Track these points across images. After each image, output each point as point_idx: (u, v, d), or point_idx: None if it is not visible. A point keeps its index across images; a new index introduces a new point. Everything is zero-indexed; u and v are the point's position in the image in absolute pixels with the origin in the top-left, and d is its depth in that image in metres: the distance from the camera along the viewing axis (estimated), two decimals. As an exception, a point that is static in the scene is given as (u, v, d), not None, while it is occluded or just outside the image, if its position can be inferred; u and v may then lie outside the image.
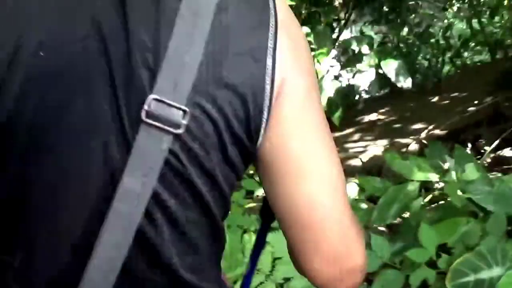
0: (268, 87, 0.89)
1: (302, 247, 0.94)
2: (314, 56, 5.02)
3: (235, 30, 0.89)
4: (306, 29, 5.27)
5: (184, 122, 0.84)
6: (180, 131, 0.84)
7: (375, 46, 5.34)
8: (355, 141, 5.14)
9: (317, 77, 5.19)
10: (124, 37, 0.84)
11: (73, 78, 0.83)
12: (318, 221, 0.93)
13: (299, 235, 0.94)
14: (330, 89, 4.72)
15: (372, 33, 6.02)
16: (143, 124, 0.82)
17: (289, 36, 0.92)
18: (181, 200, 0.89)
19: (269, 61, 0.89)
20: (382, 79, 5.15)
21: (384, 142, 4.88)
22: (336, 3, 5.96)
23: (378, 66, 5.06)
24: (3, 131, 0.83)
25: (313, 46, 5.13)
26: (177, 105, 0.83)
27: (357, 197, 3.22)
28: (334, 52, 5.45)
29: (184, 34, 0.85)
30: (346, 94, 5.28)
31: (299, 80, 0.92)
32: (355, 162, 4.55)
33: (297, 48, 0.94)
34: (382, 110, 5.87)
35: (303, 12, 5.34)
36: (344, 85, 5.26)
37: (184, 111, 0.84)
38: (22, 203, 0.87)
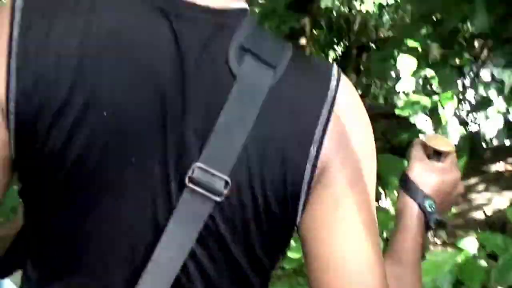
0: (308, 173, 0.91)
1: None
2: (438, 101, 4.84)
3: (285, 112, 0.91)
4: (430, 72, 5.10)
5: (225, 191, 0.89)
6: (220, 199, 0.89)
7: (505, 91, 5.06)
8: (479, 192, 4.85)
9: (441, 122, 5.06)
10: (181, 107, 0.90)
11: (131, 138, 0.91)
12: None
13: None
14: (455, 135, 4.51)
15: (506, 77, 5.73)
16: (187, 188, 0.89)
17: (343, 124, 0.93)
18: (217, 264, 0.94)
19: (313, 149, 0.91)
20: (511, 127, 4.86)
21: (511, 195, 4.58)
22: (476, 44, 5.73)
23: (507, 113, 4.78)
24: (68, 178, 0.91)
25: (437, 90, 4.95)
26: (220, 175, 0.89)
27: (476, 254, 3.01)
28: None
29: (234, 110, 0.90)
30: (472, 141, 5.04)
31: (342, 172, 0.93)
32: (478, 215, 4.28)
33: (349, 138, 0.94)
34: (511, 160, 5.55)
35: (433, 54, 5.17)
36: (470, 131, 5.02)
37: (226, 181, 0.89)
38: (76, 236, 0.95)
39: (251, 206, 0.92)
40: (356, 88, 1.07)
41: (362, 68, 7.94)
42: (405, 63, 4.68)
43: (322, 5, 7.94)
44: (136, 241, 0.92)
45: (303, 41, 6.65)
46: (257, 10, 5.65)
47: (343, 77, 0.96)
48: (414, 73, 4.87)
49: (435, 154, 1.17)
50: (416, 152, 1.19)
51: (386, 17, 8.70)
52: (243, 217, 0.92)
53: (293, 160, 0.91)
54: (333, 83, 0.94)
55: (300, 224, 0.95)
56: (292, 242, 3.15)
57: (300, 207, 0.93)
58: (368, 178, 0.96)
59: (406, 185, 1.15)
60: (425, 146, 1.19)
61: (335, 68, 0.95)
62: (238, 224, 0.92)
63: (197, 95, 0.90)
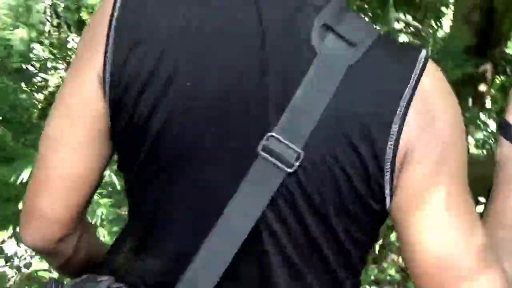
0: (390, 152, 0.91)
1: None
2: None
3: (365, 89, 0.92)
4: None
5: (296, 163, 0.91)
6: (291, 170, 0.91)
7: None
8: None
9: None
10: (262, 80, 0.92)
11: (211, 109, 0.94)
12: None
13: None
14: None
15: None
16: (259, 156, 0.92)
17: (428, 106, 0.92)
18: (293, 236, 0.95)
19: (394, 128, 0.90)
20: None
21: None
22: None
23: None
24: (153, 148, 0.97)
25: None
26: (292, 147, 0.91)
27: None
28: None
29: (312, 85, 0.91)
30: None
31: (428, 153, 0.91)
32: None
33: (435, 120, 0.92)
34: None
35: None
36: None
37: (298, 153, 0.91)
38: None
39: (330, 181, 0.92)
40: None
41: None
42: None
43: (508, 50, 7.51)
44: (208, 206, 0.96)
45: (482, 87, 6.32)
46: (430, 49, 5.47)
47: (431, 62, 0.95)
48: None
49: None
50: None
51: None
52: (321, 191, 0.93)
53: (373, 138, 0.91)
54: (418, 65, 0.93)
55: (390, 209, 0.94)
56: None
57: (387, 189, 0.92)
58: (458, 160, 0.94)
59: (507, 131, 1.09)
60: None
61: (423, 52, 0.95)
62: (316, 198, 0.93)
63: (277, 69, 0.93)
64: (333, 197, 0.93)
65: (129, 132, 0.98)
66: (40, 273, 3.61)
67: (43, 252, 1.12)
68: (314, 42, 0.93)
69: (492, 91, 6.54)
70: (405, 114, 0.91)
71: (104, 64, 0.96)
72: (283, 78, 0.93)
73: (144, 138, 0.97)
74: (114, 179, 3.68)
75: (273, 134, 0.92)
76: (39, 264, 3.69)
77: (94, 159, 1.02)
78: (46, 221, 1.05)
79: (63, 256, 1.12)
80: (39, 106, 6.30)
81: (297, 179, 0.92)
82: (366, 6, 4.81)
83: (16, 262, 3.87)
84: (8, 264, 3.90)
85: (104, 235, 3.55)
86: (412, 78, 0.92)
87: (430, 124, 0.93)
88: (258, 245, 0.96)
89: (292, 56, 0.93)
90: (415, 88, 0.92)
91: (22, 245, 3.77)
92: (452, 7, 5.77)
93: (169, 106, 0.94)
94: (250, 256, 0.97)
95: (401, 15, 5.43)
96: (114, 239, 1.15)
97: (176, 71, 0.94)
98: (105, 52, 0.96)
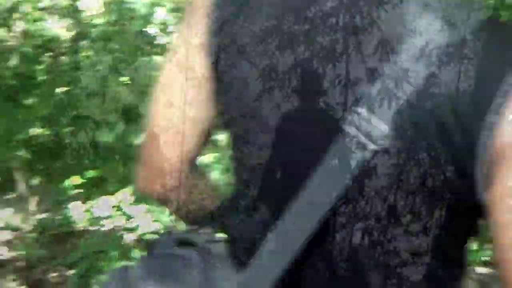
0: (484, 143, 0.85)
1: None
2: None
3: (461, 73, 0.86)
4: None
5: (382, 141, 0.89)
6: (375, 147, 0.89)
7: None
8: None
9: None
10: (353, 55, 0.91)
11: (300, 79, 0.94)
12: None
13: None
14: None
15: None
16: (344, 131, 0.91)
17: None
18: (377, 216, 0.93)
19: (492, 117, 0.84)
20: None
21: None
22: None
23: None
24: (244, 118, 1.01)
25: None
26: (378, 123, 0.89)
27: None
28: None
29: (403, 63, 0.88)
30: None
31: None
32: None
33: None
34: None
35: None
36: None
37: (385, 130, 0.88)
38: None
39: (419, 166, 0.89)
40: None
41: None
42: None
43: None
44: (293, 179, 0.96)
45: None
46: None
47: None
48: None
49: None
50: None
51: None
52: (409, 174, 0.89)
53: (465, 126, 0.86)
54: None
55: (485, 203, 0.88)
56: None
57: (480, 179, 0.87)
58: None
59: None
60: None
61: None
62: (404, 181, 0.90)
63: (368, 46, 0.91)
64: (422, 182, 0.90)
65: (228, 97, 1.03)
66: (146, 236, 3.62)
67: (155, 199, 1.20)
68: (408, 18, 0.90)
69: None
70: (505, 107, 0.85)
71: (205, 34, 1.03)
72: (376, 54, 0.91)
73: (238, 109, 1.02)
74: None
75: (359, 109, 0.90)
76: (146, 227, 3.68)
77: (200, 116, 1.09)
78: (155, 171, 1.13)
79: (174, 204, 1.18)
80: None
81: (384, 158, 0.91)
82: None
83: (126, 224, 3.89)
84: (127, 224, 3.92)
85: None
86: None
87: None
88: (339, 221, 0.96)
89: (384, 30, 0.91)
90: None
91: (140, 206, 3.79)
92: None
93: (259, 78, 0.97)
94: (331, 230, 0.96)
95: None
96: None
97: (266, 41, 0.97)
98: (206, 22, 1.03)
